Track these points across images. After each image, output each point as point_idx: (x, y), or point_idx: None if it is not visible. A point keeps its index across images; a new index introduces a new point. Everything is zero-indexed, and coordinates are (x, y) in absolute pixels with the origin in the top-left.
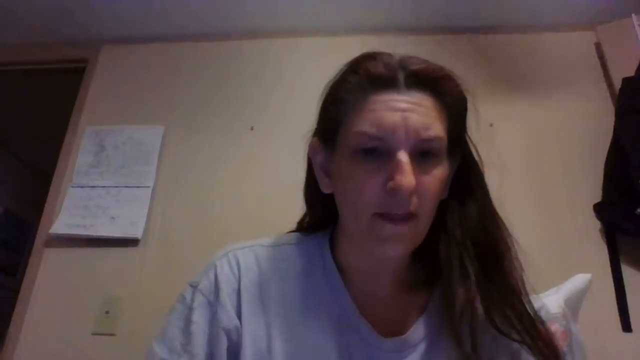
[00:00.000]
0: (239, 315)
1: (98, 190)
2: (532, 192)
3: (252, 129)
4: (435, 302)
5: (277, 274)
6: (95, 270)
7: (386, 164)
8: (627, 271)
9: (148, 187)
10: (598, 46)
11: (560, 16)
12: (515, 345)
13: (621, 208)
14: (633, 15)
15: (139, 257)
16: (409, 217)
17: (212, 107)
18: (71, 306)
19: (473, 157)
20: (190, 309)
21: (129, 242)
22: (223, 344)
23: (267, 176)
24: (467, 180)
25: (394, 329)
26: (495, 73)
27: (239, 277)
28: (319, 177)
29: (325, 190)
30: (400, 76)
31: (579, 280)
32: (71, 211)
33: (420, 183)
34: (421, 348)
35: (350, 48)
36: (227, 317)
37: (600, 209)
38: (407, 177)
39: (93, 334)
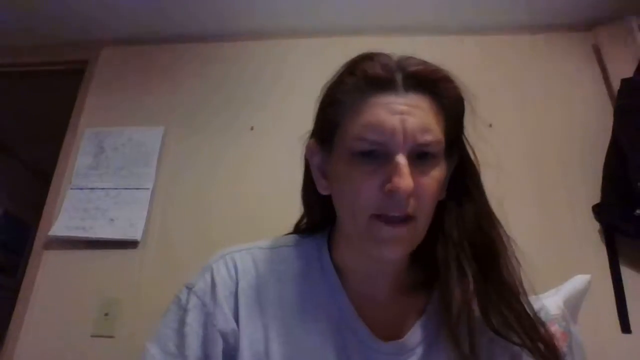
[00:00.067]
0: (236, 318)
1: (97, 192)
2: (531, 192)
3: (251, 129)
4: (433, 304)
5: (274, 276)
6: (95, 272)
7: (384, 166)
8: (626, 272)
9: (147, 189)
10: (596, 47)
11: (558, 17)
12: (515, 347)
13: (620, 209)
14: (631, 16)
15: (138, 259)
16: (407, 219)
17: (211, 107)
18: (70, 308)
19: (470, 158)
20: (184, 311)
21: (128, 244)
22: (218, 346)
23: (267, 176)
24: (464, 181)
25: (392, 331)
26: (495, 73)
27: (237, 279)
28: (316, 178)
29: (323, 191)
30: (398, 77)
31: (578, 281)
32: (70, 213)
33: (418, 185)
34: (419, 351)
35: (350, 48)
36: (224, 319)
37: (599, 210)
38: (405, 179)
39: (92, 336)
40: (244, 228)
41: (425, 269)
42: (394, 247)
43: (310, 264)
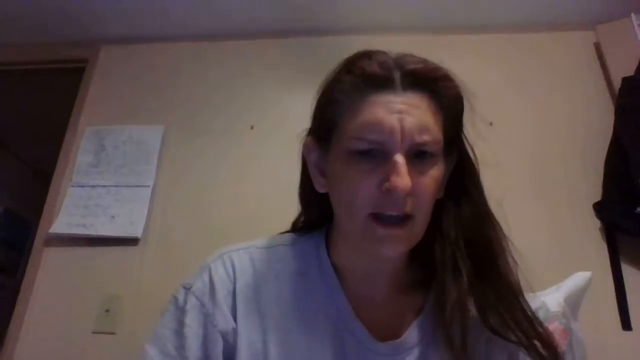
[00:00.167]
0: (234, 318)
1: (98, 189)
2: (533, 190)
3: (252, 128)
4: (430, 304)
5: (272, 276)
6: (95, 269)
7: (382, 165)
8: (627, 270)
9: (148, 186)
10: (597, 46)
11: (559, 16)
12: (513, 346)
13: (621, 207)
14: (632, 14)
15: (138, 256)
16: (405, 218)
17: (212, 106)
18: (71, 305)
19: (469, 157)
20: (182, 311)
21: (129, 242)
22: (219, 347)
23: (268, 176)
24: (463, 180)
25: (390, 331)
26: (495, 72)
27: (235, 279)
28: (313, 176)
29: (320, 189)
30: (396, 76)
31: (579, 278)
32: (71, 210)
33: (416, 184)
34: (416, 351)
35: (351, 48)
36: (224, 319)
37: (600, 208)
38: (403, 178)
39: (93, 332)
40: (244, 227)
41: (424, 268)
42: (392, 245)
43: (308, 263)
